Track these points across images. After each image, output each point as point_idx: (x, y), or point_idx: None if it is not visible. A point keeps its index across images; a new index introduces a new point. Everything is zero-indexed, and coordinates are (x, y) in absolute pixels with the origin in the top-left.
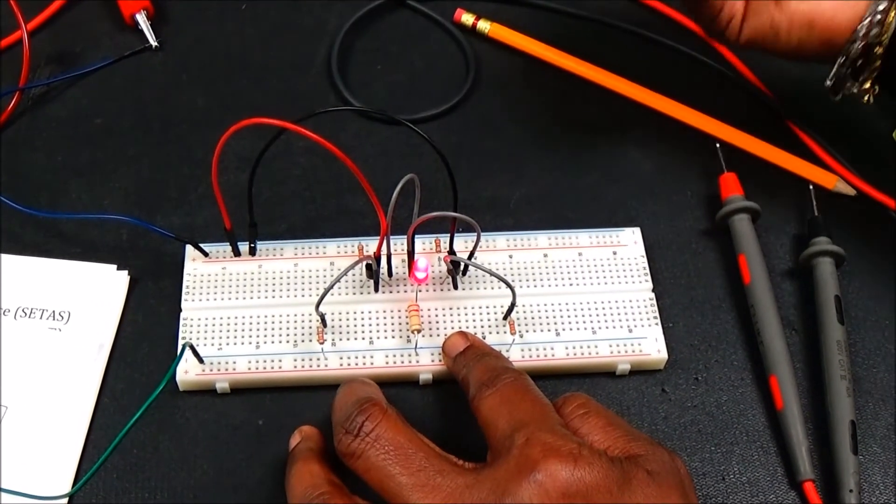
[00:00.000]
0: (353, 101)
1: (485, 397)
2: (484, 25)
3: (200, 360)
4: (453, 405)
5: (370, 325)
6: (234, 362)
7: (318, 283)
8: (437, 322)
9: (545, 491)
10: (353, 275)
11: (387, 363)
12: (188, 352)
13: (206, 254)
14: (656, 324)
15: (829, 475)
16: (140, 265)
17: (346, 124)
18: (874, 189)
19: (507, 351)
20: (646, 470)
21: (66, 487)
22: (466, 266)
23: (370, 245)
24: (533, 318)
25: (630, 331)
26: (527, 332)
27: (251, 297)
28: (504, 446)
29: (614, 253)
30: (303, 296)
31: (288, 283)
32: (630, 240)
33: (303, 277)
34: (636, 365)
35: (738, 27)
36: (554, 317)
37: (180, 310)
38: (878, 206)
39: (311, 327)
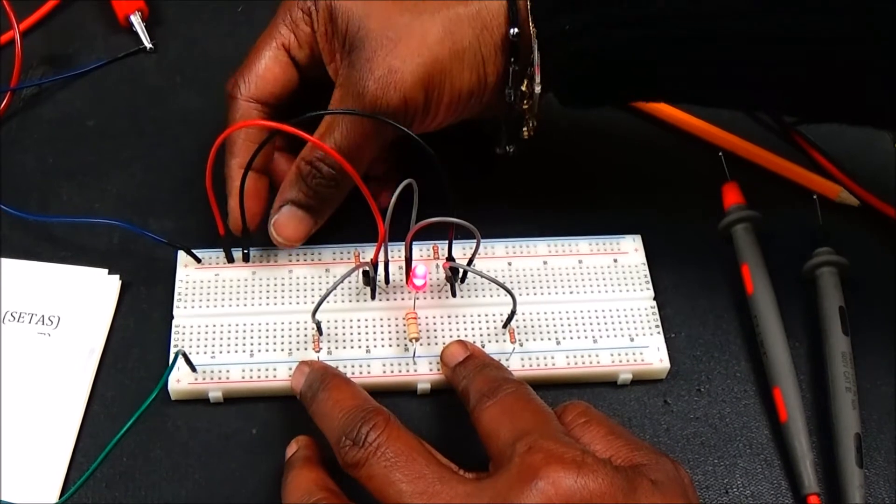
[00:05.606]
0: None
1: (485, 408)
2: None
3: (193, 369)
4: (452, 415)
5: (367, 333)
6: (228, 371)
7: (313, 290)
8: (436, 330)
9: (548, 498)
10: (350, 282)
11: (384, 372)
12: (181, 360)
13: (198, 260)
14: (658, 333)
15: (834, 489)
16: (132, 270)
17: None
18: (877, 199)
19: (507, 360)
20: (650, 479)
21: (54, 497)
22: (465, 273)
23: (366, 251)
24: (533, 327)
25: (632, 339)
26: (527, 340)
27: (245, 305)
28: (505, 455)
29: (615, 260)
30: (298, 303)
31: (282, 291)
32: (631, 247)
33: (298, 284)
34: (638, 374)
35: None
36: (554, 325)
37: (172, 316)
38: (881, 216)
39: (306, 335)
